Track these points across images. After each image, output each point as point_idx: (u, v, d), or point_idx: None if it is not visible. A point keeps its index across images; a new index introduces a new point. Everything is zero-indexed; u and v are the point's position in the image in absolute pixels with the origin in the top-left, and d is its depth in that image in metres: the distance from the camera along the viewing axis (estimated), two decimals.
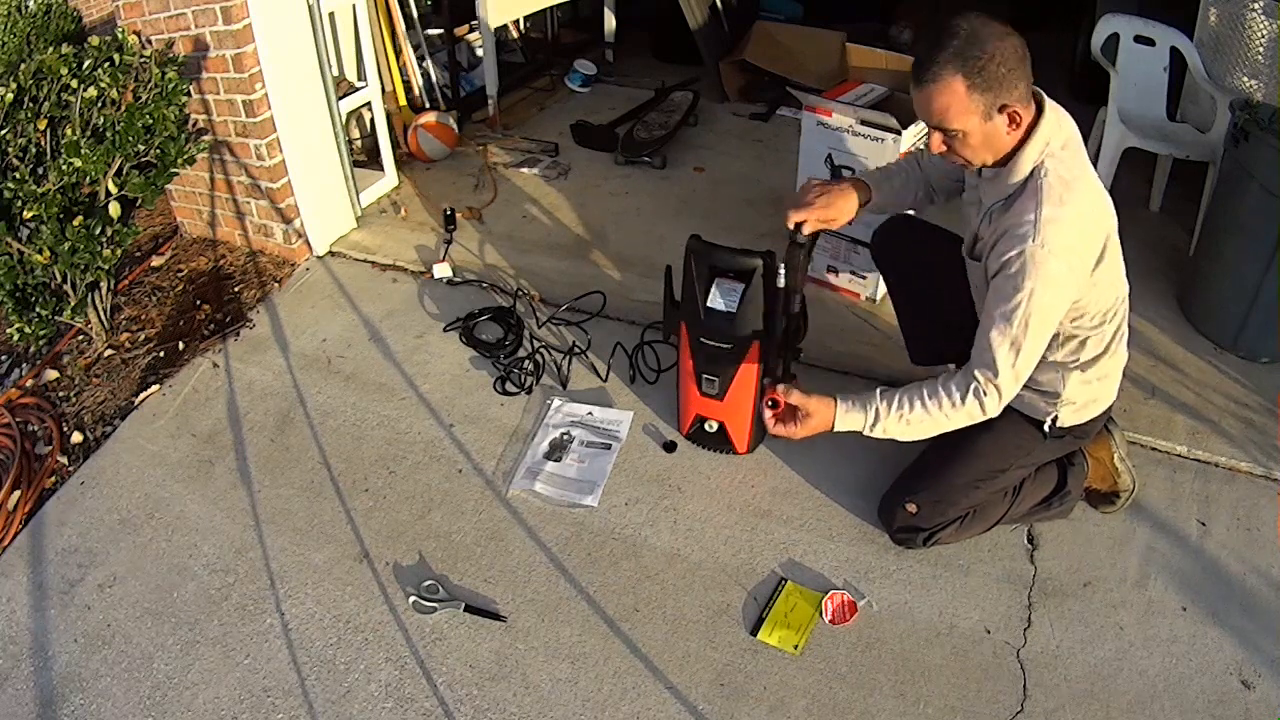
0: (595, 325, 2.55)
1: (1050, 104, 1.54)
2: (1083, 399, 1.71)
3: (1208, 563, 1.83)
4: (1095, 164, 2.78)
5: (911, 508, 1.81)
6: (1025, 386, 1.73)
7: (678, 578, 1.83)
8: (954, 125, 1.48)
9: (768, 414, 1.73)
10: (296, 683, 1.65)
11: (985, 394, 1.57)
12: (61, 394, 2.41)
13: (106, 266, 2.36)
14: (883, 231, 2.09)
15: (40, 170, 2.23)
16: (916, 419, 1.63)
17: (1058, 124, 1.52)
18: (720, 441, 2.10)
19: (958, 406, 1.59)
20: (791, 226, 1.80)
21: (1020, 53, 1.43)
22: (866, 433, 1.66)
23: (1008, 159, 1.54)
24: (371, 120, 3.21)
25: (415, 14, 3.67)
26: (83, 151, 2.18)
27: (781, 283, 1.86)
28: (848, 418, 1.66)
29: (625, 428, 2.18)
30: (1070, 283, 1.50)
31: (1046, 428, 1.74)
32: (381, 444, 2.17)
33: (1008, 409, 1.77)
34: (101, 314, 2.56)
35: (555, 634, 1.73)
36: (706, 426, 2.08)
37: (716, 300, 1.94)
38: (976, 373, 1.57)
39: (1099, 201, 1.53)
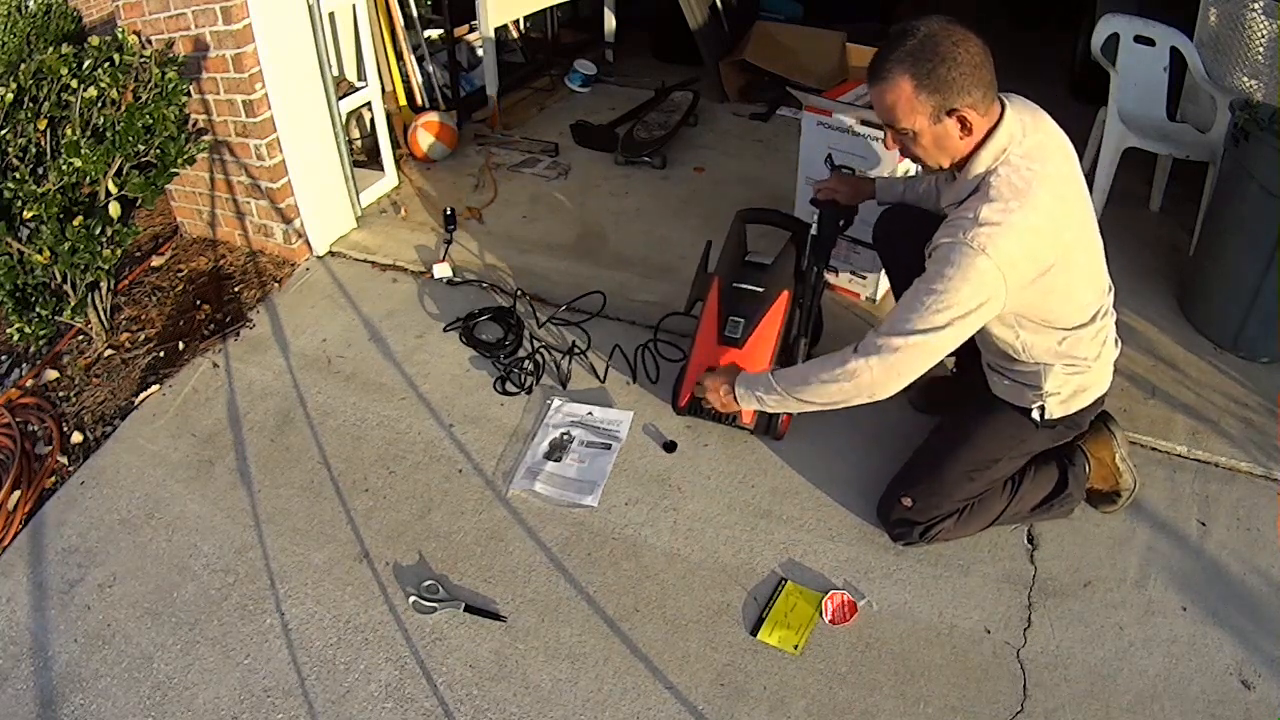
0: (595, 325, 2.55)
1: (1015, 112, 1.53)
2: (1068, 391, 1.71)
3: (1208, 563, 1.83)
4: (1095, 164, 2.81)
5: (907, 501, 1.82)
6: (1009, 377, 1.74)
7: (678, 578, 1.83)
8: (902, 124, 1.51)
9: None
10: (296, 683, 1.66)
11: (867, 350, 1.58)
12: (61, 394, 2.41)
13: (106, 266, 2.36)
14: (884, 219, 2.11)
15: (40, 170, 2.23)
16: (795, 372, 1.72)
17: (1021, 132, 1.51)
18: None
19: (839, 358, 1.62)
20: (813, 194, 2.09)
21: (978, 59, 1.44)
22: (767, 399, 1.78)
23: (964, 163, 1.54)
24: (371, 120, 3.21)
25: (415, 14, 3.67)
26: (83, 151, 2.18)
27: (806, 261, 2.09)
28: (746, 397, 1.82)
29: (625, 428, 2.18)
30: (997, 286, 1.47)
31: (1036, 416, 1.74)
32: (381, 444, 2.17)
33: (997, 399, 1.78)
34: (101, 314, 2.56)
35: (555, 634, 1.73)
36: None
37: (755, 257, 2.21)
38: (871, 331, 1.60)
39: (1055, 215, 1.49)
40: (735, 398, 1.84)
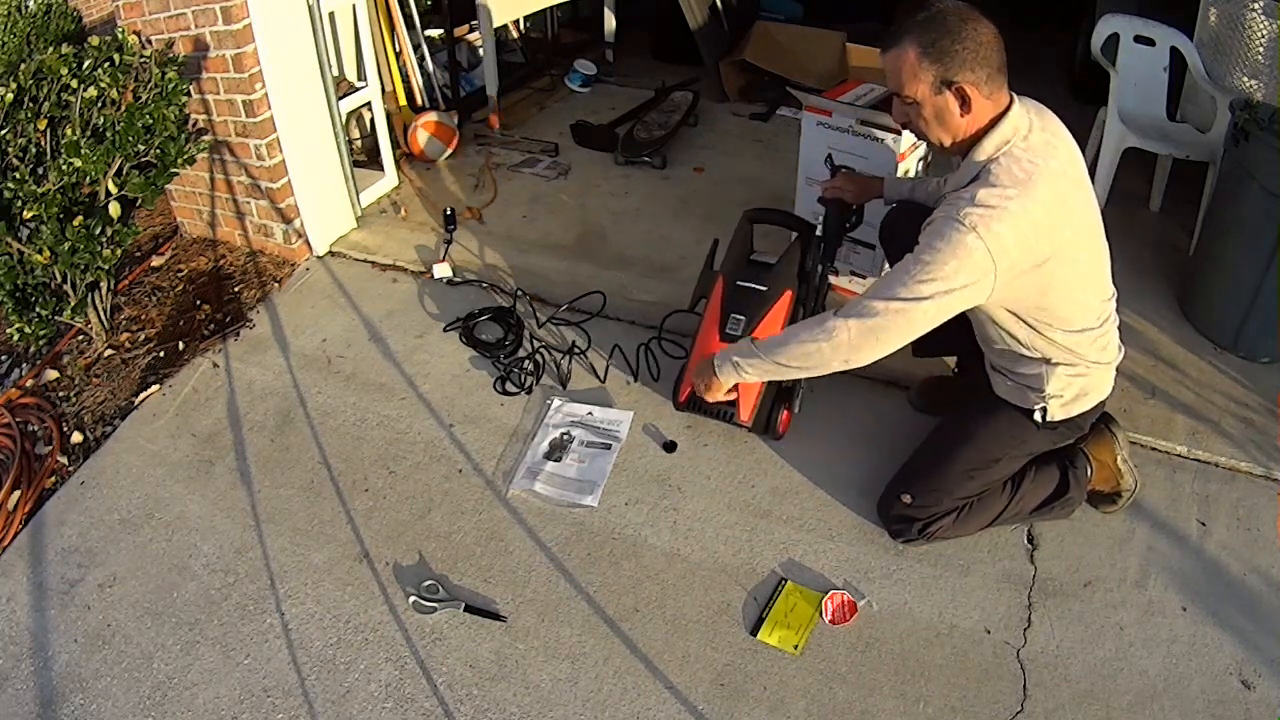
0: (595, 325, 2.55)
1: (1024, 108, 1.55)
2: (1071, 394, 1.71)
3: (1208, 563, 1.83)
4: (1095, 164, 2.81)
5: (906, 498, 1.82)
6: (1012, 379, 1.74)
7: (678, 578, 1.83)
8: (906, 90, 1.55)
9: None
10: (296, 683, 1.66)
11: (848, 312, 1.61)
12: (61, 394, 2.41)
13: (106, 266, 2.36)
14: (890, 217, 2.12)
15: (40, 170, 2.23)
16: (775, 336, 1.76)
17: (1028, 127, 1.53)
18: (724, 401, 2.04)
19: (820, 318, 1.66)
20: (820, 192, 2.12)
21: (985, 39, 1.48)
22: (745, 365, 1.81)
23: (968, 149, 1.56)
24: (371, 120, 3.21)
25: (415, 14, 3.67)
26: (83, 151, 2.18)
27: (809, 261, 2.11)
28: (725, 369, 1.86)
29: (625, 428, 2.18)
30: (985, 268, 1.47)
31: (1037, 418, 1.74)
32: (381, 444, 2.17)
33: (999, 399, 1.78)
34: (101, 314, 2.56)
35: (555, 634, 1.73)
36: None
37: (759, 256, 2.21)
38: (856, 296, 1.63)
39: (1053, 210, 1.49)
40: (714, 370, 1.86)
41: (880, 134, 2.33)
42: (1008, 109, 1.54)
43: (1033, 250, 1.48)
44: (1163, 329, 2.47)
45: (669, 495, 2.01)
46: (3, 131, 2.18)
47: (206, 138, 2.70)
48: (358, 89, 3.08)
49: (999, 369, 1.79)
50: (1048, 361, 1.67)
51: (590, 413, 2.22)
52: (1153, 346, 2.40)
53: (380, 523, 1.97)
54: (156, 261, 2.94)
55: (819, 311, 2.14)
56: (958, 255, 1.47)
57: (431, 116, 3.49)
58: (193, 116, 2.66)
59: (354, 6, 3.02)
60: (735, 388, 2.02)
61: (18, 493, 2.07)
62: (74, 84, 2.23)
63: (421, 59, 3.73)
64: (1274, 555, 1.84)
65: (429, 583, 1.81)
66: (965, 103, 1.51)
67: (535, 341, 2.47)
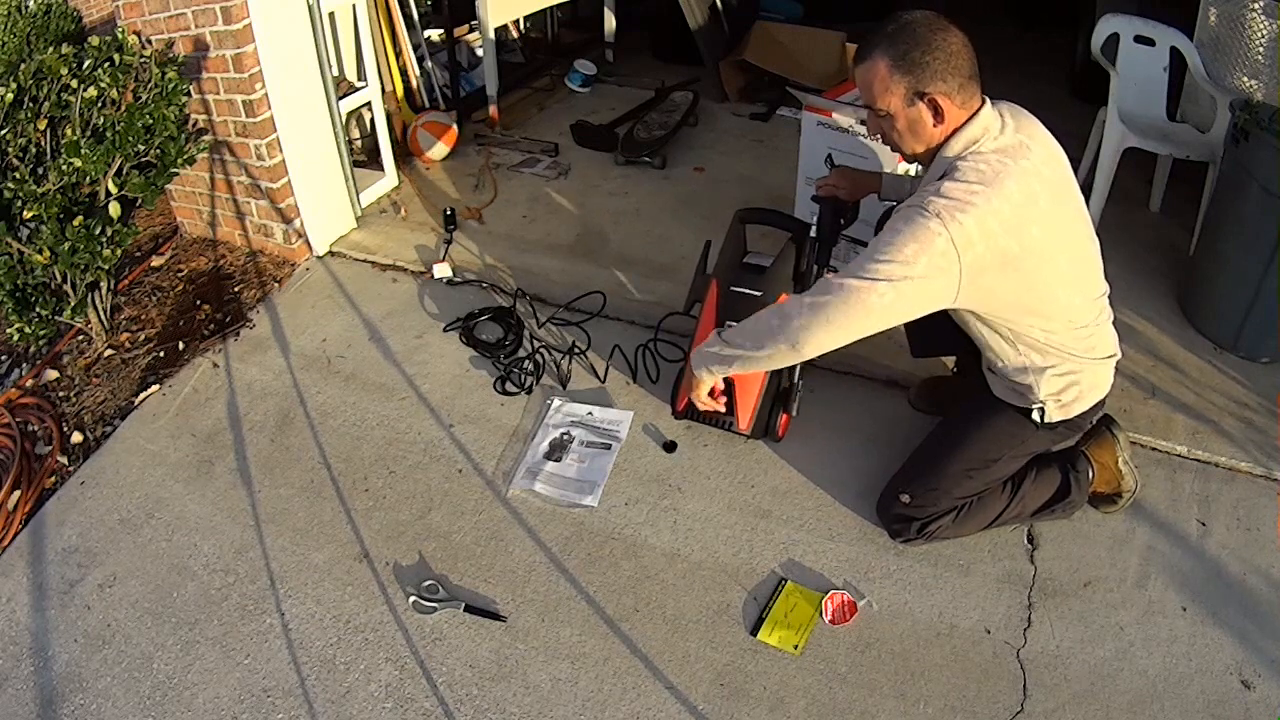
0: (595, 325, 2.55)
1: (997, 111, 1.54)
2: (1068, 395, 1.71)
3: (1208, 563, 1.83)
4: (1095, 164, 2.81)
5: (905, 498, 1.82)
6: (1006, 381, 1.74)
7: (678, 578, 1.83)
8: (878, 104, 1.56)
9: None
10: (296, 683, 1.66)
11: (805, 294, 1.60)
12: (61, 394, 2.41)
13: (106, 266, 2.36)
14: (884, 219, 2.10)
15: (40, 170, 2.23)
16: (743, 326, 1.76)
17: (999, 129, 1.52)
18: (722, 411, 2.04)
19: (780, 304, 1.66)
20: (815, 190, 2.06)
21: (954, 49, 1.48)
22: (709, 358, 1.82)
23: (938, 151, 1.56)
24: (371, 120, 3.21)
25: (415, 14, 3.67)
26: (83, 151, 2.18)
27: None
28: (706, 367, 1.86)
29: (625, 428, 2.18)
30: (948, 261, 1.45)
31: (1036, 419, 1.74)
32: (381, 444, 2.17)
33: (998, 399, 1.78)
34: (101, 314, 2.56)
35: (555, 634, 1.73)
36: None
37: (754, 258, 2.18)
38: (828, 276, 1.61)
39: (1021, 207, 1.47)
40: (694, 374, 1.88)
41: None
42: (978, 111, 1.53)
43: (998, 247, 1.46)
44: (1163, 329, 2.47)
45: (669, 495, 2.01)
46: (3, 131, 2.18)
47: (206, 138, 2.70)
48: (358, 89, 3.08)
49: (995, 370, 1.79)
50: (1038, 365, 1.67)
51: (590, 413, 2.22)
52: (1153, 346, 2.40)
53: (380, 522, 1.97)
54: (156, 261, 2.94)
55: None
56: (918, 239, 1.45)
57: (431, 116, 3.49)
58: (193, 116, 2.66)
59: (354, 6, 3.02)
60: (730, 394, 2.02)
61: (18, 493, 2.07)
62: (74, 84, 2.23)
63: (421, 59, 3.73)
64: (1274, 555, 1.84)
65: (429, 583, 1.81)
66: (938, 113, 1.51)
67: (535, 341, 2.47)
